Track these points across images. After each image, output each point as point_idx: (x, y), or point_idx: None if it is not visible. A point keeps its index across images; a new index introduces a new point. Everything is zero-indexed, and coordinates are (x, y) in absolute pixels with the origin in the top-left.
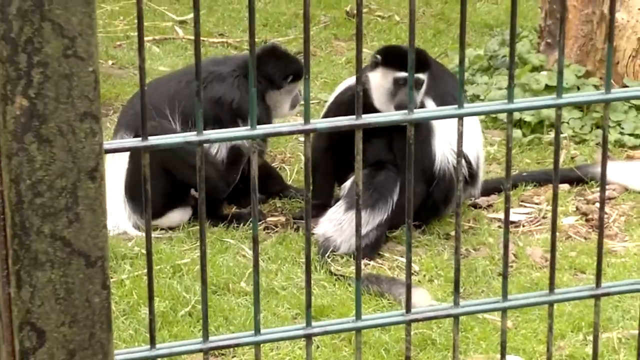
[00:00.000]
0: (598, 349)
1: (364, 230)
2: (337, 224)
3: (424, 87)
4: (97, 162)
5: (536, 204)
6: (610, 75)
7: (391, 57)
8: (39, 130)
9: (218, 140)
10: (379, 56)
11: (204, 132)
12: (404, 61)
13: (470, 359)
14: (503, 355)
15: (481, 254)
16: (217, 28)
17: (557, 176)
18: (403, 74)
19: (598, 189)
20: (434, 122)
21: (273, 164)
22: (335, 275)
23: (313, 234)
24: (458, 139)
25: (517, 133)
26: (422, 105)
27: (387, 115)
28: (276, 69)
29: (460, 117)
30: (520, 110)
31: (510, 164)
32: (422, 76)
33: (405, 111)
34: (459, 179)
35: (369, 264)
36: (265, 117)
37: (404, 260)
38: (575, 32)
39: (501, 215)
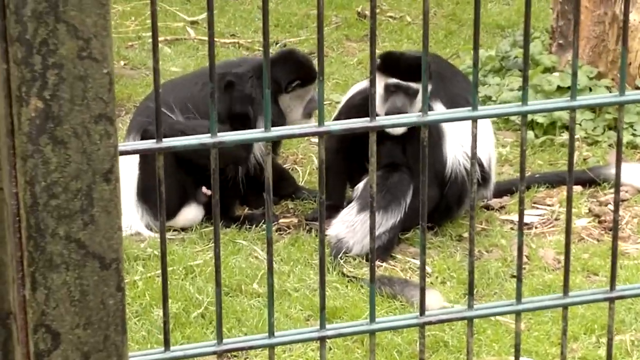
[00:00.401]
0: (612, 352)
1: (376, 232)
2: (349, 226)
3: (419, 96)
4: (112, 164)
5: (549, 205)
6: (624, 77)
7: (385, 63)
8: (53, 132)
9: (232, 141)
10: (378, 60)
11: (218, 134)
12: (397, 68)
13: None
14: (517, 358)
15: (494, 255)
16: (229, 29)
17: (571, 178)
18: (393, 81)
19: (611, 190)
20: (445, 126)
21: (285, 166)
22: (348, 276)
23: (325, 235)
24: (472, 141)
25: (529, 134)
26: (430, 110)
27: (402, 117)
28: (282, 73)
29: (474, 120)
30: (535, 112)
31: (524, 166)
32: (415, 85)
33: (420, 113)
34: (474, 181)
35: (382, 266)
36: (280, 119)
37: (416, 262)
38: (587, 33)
39: (513, 217)
